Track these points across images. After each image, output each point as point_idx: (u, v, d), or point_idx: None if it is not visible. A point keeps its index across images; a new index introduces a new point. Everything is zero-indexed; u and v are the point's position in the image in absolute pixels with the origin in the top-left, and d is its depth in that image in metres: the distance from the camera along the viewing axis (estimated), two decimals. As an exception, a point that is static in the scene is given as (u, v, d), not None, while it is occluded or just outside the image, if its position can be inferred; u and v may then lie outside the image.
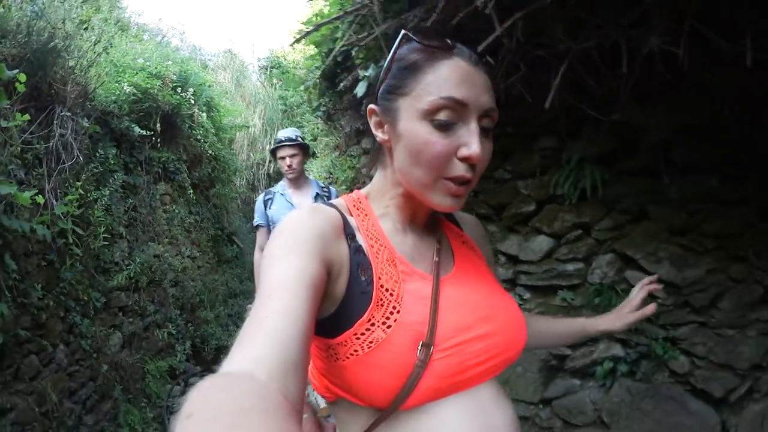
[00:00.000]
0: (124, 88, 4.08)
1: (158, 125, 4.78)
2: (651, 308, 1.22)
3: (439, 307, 0.78)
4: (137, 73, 4.40)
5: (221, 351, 5.87)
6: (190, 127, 5.64)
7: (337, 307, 0.76)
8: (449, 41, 0.80)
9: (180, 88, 5.10)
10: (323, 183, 3.79)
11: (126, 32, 3.99)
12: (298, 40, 2.75)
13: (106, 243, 3.80)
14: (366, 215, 0.87)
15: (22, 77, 2.20)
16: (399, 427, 0.75)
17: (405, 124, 0.78)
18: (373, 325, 0.73)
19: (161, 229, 5.44)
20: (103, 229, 3.64)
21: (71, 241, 3.09)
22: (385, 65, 0.84)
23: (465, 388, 0.77)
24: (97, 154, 3.65)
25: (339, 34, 2.76)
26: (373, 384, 0.72)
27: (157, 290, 5.11)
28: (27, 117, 2.28)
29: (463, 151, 0.75)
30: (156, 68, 4.64)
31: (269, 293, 0.61)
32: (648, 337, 2.12)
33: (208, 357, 5.84)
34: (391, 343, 0.72)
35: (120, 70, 4.28)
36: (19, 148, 2.43)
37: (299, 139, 3.37)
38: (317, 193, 3.42)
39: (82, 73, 3.30)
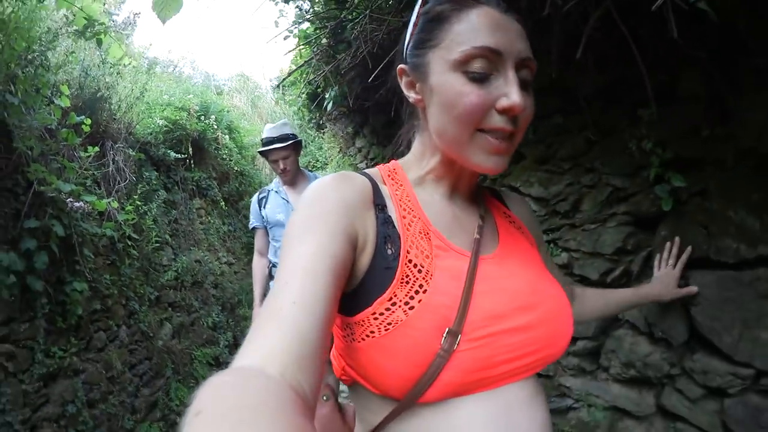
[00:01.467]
0: (158, 122, 4.99)
1: (189, 149, 5.68)
2: (692, 290, 1.51)
3: (474, 291, 0.70)
4: (165, 108, 5.32)
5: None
6: (216, 148, 6.54)
7: (359, 283, 0.70)
8: None
9: (203, 116, 6.01)
10: (320, 174, 3.50)
11: (139, 68, 4.83)
12: (278, 85, 3.57)
13: (156, 247, 4.67)
14: (400, 185, 0.82)
15: (88, 121, 3.07)
16: (414, 423, 0.69)
17: (437, 78, 0.74)
18: (394, 304, 0.67)
19: (199, 237, 6.27)
20: (153, 235, 4.52)
21: (129, 244, 3.97)
22: (411, 21, 0.80)
23: (493, 387, 0.69)
24: (143, 176, 4.55)
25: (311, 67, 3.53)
26: (388, 371, 0.66)
27: (200, 290, 5.92)
28: (96, 149, 3.17)
29: (503, 102, 0.70)
30: (180, 102, 5.56)
31: (286, 280, 0.58)
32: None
33: None
34: (412, 326, 0.65)
35: (152, 107, 5.21)
36: (90, 173, 3.33)
37: (290, 136, 3.00)
38: None
39: (124, 114, 4.21)
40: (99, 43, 2.79)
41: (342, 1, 2.73)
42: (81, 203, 2.91)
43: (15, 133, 2.47)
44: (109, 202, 3.17)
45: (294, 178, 3.11)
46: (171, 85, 6.01)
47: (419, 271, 0.70)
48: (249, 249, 8.12)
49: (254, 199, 3.27)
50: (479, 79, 0.70)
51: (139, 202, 4.14)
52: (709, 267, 1.69)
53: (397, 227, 0.74)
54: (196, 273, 5.81)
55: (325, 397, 0.83)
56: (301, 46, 3.34)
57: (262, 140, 3.11)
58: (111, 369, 3.65)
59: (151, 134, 4.87)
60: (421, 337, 0.65)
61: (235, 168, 7.26)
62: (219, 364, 5.88)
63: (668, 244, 1.51)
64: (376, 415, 0.72)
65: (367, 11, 2.38)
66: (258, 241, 3.30)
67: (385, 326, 0.66)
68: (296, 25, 3.27)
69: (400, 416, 0.69)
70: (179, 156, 5.37)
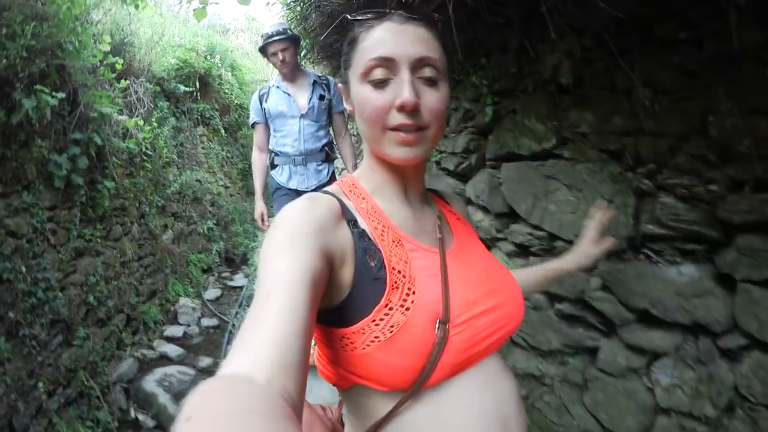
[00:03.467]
0: (170, 61, 5.93)
1: (196, 84, 6.63)
2: (611, 242, 1.33)
3: (449, 283, 0.78)
4: (176, 48, 6.24)
5: (246, 255, 7.66)
6: (219, 83, 7.48)
7: (347, 296, 0.74)
8: (389, 10, 0.83)
9: (209, 56, 6.92)
10: (321, 72, 3.66)
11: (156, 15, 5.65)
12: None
13: (165, 163, 5.70)
14: (363, 198, 0.86)
15: (120, 61, 4.04)
16: (420, 407, 0.75)
17: (353, 91, 0.83)
18: (391, 309, 0.72)
19: (201, 160, 7.24)
20: (164, 153, 5.54)
21: (144, 159, 5.00)
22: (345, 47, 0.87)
23: (477, 362, 0.78)
24: (158, 105, 5.54)
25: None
26: (398, 367, 0.71)
27: (198, 205, 6.91)
28: (127, 83, 4.17)
29: (397, 101, 0.77)
30: (190, 43, 6.47)
31: (267, 292, 0.61)
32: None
33: (236, 260, 7.63)
34: (412, 324, 0.71)
35: (165, 48, 6.12)
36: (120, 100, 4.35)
37: (288, 31, 3.12)
38: (314, 81, 3.25)
39: (144, 55, 5.17)
40: (136, 7, 3.73)
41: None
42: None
43: (72, 71, 3.45)
44: (136, 122, 4.21)
45: (293, 72, 3.18)
46: (182, 29, 6.88)
47: (404, 276, 0.75)
48: (244, 175, 9.11)
49: (254, 96, 3.34)
50: (379, 84, 0.78)
51: (154, 124, 5.13)
52: (513, 160, 2.39)
53: (372, 239, 0.78)
54: (196, 190, 6.81)
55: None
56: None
57: (262, 37, 3.20)
58: (124, 256, 4.63)
59: (164, 71, 5.81)
60: (420, 332, 0.71)
61: (236, 101, 8.21)
62: (209, 270, 6.90)
63: (599, 215, 1.36)
64: (381, 409, 0.75)
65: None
66: (258, 136, 3.37)
67: (389, 329, 0.71)
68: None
69: (405, 404, 0.74)
70: (187, 89, 6.32)
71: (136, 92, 4.77)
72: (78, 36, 3.42)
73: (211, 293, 6.21)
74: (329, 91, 3.25)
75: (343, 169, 4.49)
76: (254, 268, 6.77)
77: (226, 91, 7.71)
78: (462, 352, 0.74)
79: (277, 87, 3.22)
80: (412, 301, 0.73)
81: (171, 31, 6.43)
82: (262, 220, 3.36)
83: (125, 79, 4.39)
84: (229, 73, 7.72)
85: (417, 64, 0.78)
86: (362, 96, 0.80)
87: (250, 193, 9.19)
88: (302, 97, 3.17)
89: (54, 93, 3.09)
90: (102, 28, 4.08)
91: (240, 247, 7.89)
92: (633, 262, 1.90)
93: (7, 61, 2.71)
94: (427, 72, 0.80)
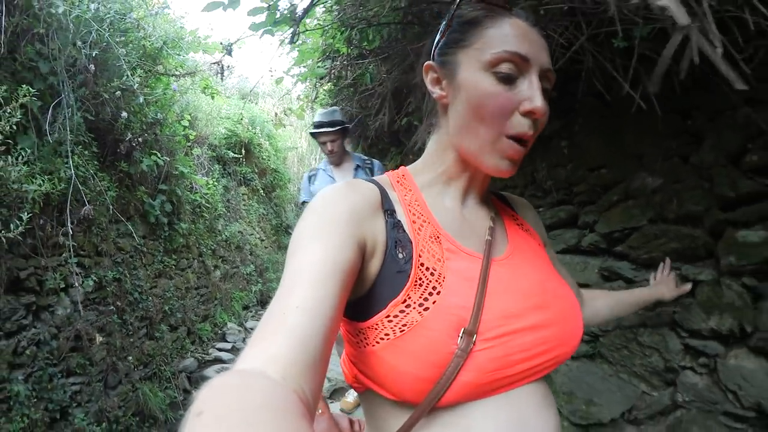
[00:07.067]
0: (221, 131, 7.41)
1: (242, 151, 8.10)
2: (688, 286, 1.51)
3: (487, 291, 0.70)
4: (225, 120, 7.77)
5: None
6: (258, 150, 8.95)
7: (370, 288, 0.70)
8: (507, 3, 0.79)
9: (250, 126, 8.44)
10: (366, 156, 3.72)
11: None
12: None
13: (216, 215, 7.01)
14: (409, 190, 0.82)
15: (193, 134, 5.45)
16: (433, 427, 0.68)
17: (466, 75, 0.75)
18: (408, 306, 0.67)
19: (242, 215, 8.61)
20: (217, 207, 6.87)
21: (202, 210, 6.32)
22: (445, 22, 0.81)
23: (508, 388, 0.69)
24: (212, 168, 6.95)
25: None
26: (404, 373, 0.65)
27: (240, 252, 8.10)
28: (198, 150, 5.58)
29: (526, 105, 0.72)
30: (235, 116, 8.01)
31: (290, 285, 0.59)
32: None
33: (270, 302, 8.84)
34: (428, 327, 0.65)
35: (218, 120, 7.63)
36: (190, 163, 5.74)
37: (336, 121, 3.26)
38: (358, 165, 3.34)
39: (203, 127, 6.64)
40: (212, 97, 5.14)
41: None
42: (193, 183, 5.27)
43: (163, 139, 4.84)
44: (207, 181, 5.58)
45: (340, 158, 3.36)
46: (228, 102, 8.46)
47: (432, 274, 0.69)
48: (277, 230, 10.37)
49: (305, 176, 3.56)
50: (506, 81, 0.72)
51: (212, 182, 6.49)
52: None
53: (407, 231, 0.74)
54: (239, 240, 8.10)
55: (319, 410, 0.86)
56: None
57: (313, 123, 3.38)
58: (187, 283, 5.80)
59: (217, 139, 7.28)
60: (437, 337, 0.64)
61: (272, 166, 9.66)
62: (247, 308, 8.00)
63: (663, 262, 1.60)
64: (391, 423, 0.70)
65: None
66: None
67: (400, 328, 0.65)
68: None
69: (420, 422, 0.67)
70: (234, 155, 7.77)
71: (198, 157, 6.16)
72: (169, 113, 4.82)
73: (251, 324, 7.32)
74: (372, 175, 3.34)
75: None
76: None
77: (264, 157, 9.17)
78: (488, 373, 0.66)
79: (324, 170, 3.43)
80: (434, 302, 0.67)
81: (220, 104, 7.95)
82: None
83: (198, 147, 5.78)
84: (267, 142, 9.21)
85: (542, 74, 0.75)
86: (483, 86, 0.73)
87: (281, 247, 10.41)
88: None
89: (158, 155, 4.44)
90: (181, 107, 5.53)
91: (273, 291, 8.93)
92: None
93: (131, 133, 4.05)
94: (545, 84, 0.76)
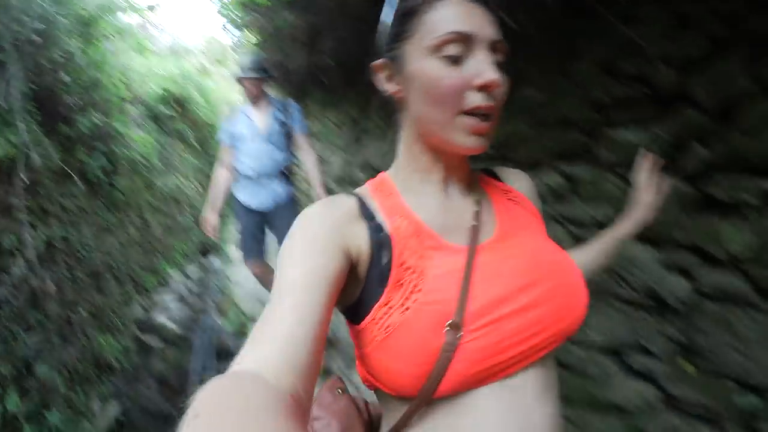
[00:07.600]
0: (155, 88, 7.55)
1: (176, 106, 8.23)
2: (667, 183, 1.16)
3: (472, 281, 0.70)
4: (159, 77, 7.88)
5: (215, 246, 9.43)
6: (193, 105, 9.13)
7: (360, 293, 0.73)
8: None
9: (183, 81, 8.58)
10: (283, 99, 3.89)
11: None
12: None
13: (153, 171, 7.27)
14: (389, 194, 0.82)
15: (129, 95, 5.66)
16: (434, 419, 0.70)
17: (414, 65, 0.75)
18: (390, 308, 0.69)
19: (178, 169, 8.90)
20: (152, 162, 7.11)
21: (141, 166, 6.57)
22: (382, 20, 0.81)
23: (508, 373, 0.69)
24: (148, 125, 7.14)
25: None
26: (396, 372, 0.68)
27: (178, 206, 8.60)
28: (138, 110, 5.83)
29: (477, 80, 0.71)
30: (168, 74, 8.13)
31: (281, 294, 0.61)
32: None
33: (209, 249, 9.43)
34: (410, 326, 0.67)
35: (152, 79, 7.73)
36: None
37: (261, 68, 3.44)
38: (274, 106, 3.53)
39: (140, 87, 6.79)
40: (146, 57, 5.32)
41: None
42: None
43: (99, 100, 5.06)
44: (143, 137, 5.87)
45: (258, 100, 3.49)
46: (161, 59, 8.51)
47: (413, 273, 0.71)
48: (213, 182, 10.65)
49: (225, 118, 3.77)
50: (454, 61, 0.71)
51: (147, 138, 6.72)
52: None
53: (389, 234, 0.75)
54: (176, 193, 8.38)
55: (339, 391, 0.88)
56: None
57: (238, 65, 3.58)
58: (130, 237, 6.22)
59: (150, 97, 7.42)
60: (421, 334, 0.66)
61: (206, 120, 9.84)
62: (188, 255, 8.48)
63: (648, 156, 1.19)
64: (397, 416, 0.73)
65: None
66: (223, 155, 3.66)
67: (385, 329, 0.68)
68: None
69: (418, 413, 0.70)
70: (167, 112, 7.93)
71: (134, 115, 6.36)
72: (104, 75, 5.03)
73: (191, 270, 7.88)
74: (289, 114, 3.55)
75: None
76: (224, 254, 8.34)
77: (198, 111, 9.35)
78: (481, 361, 0.67)
79: (242, 111, 3.57)
80: (414, 300, 0.68)
81: (153, 63, 8.02)
82: (213, 231, 3.73)
83: (133, 105, 5.98)
84: (201, 97, 9.35)
85: (492, 47, 0.73)
86: (432, 71, 0.72)
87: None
88: (263, 121, 3.48)
89: (96, 116, 4.69)
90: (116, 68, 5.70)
91: (211, 239, 9.41)
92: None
93: (70, 96, 4.28)
94: (498, 57, 0.75)
